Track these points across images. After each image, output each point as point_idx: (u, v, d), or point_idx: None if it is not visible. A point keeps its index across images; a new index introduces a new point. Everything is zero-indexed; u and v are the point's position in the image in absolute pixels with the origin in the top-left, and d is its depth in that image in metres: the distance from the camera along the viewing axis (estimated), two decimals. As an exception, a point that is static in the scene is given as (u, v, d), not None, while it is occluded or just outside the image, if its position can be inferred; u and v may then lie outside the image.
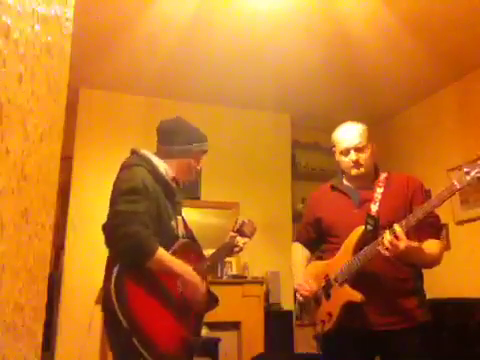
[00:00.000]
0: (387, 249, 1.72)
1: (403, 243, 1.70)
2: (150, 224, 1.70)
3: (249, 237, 2.16)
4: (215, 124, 4.53)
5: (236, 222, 2.17)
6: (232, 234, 2.12)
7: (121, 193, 1.73)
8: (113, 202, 1.75)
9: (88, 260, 3.99)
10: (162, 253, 1.69)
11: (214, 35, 3.57)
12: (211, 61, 3.96)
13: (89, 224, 4.04)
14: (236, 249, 2.11)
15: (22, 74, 0.58)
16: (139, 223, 1.65)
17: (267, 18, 3.35)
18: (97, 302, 4.03)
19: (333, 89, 4.49)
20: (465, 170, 1.65)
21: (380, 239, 1.77)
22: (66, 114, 0.68)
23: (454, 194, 1.69)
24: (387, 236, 1.72)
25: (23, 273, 0.58)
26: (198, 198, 4.48)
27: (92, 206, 4.12)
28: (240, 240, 2.10)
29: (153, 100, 4.61)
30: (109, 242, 1.70)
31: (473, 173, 1.63)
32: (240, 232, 2.13)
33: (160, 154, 1.95)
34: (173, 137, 1.97)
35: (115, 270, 1.66)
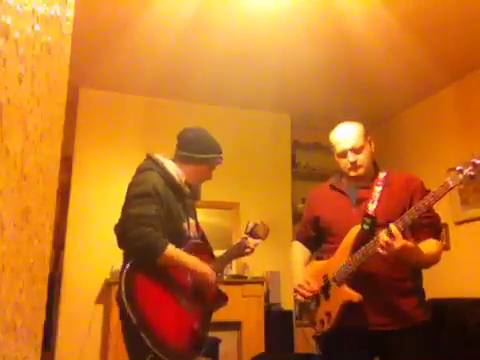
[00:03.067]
0: (383, 248, 1.72)
1: (398, 242, 1.69)
2: (160, 226, 1.80)
3: (262, 238, 2.24)
4: (215, 124, 4.51)
5: (248, 225, 2.25)
6: (244, 236, 2.21)
7: (132, 197, 1.84)
8: (125, 205, 1.85)
9: (88, 260, 3.99)
10: (172, 249, 1.78)
11: (214, 35, 3.57)
12: (211, 61, 3.96)
13: (89, 224, 4.04)
14: (247, 250, 2.18)
15: (22, 74, 0.58)
16: (148, 225, 1.75)
17: (267, 18, 3.35)
18: (97, 302, 4.03)
19: (333, 89, 4.49)
20: (458, 168, 1.66)
21: (376, 238, 1.77)
22: (66, 114, 0.68)
23: (448, 192, 1.70)
24: (383, 235, 1.72)
25: (23, 273, 0.58)
26: (198, 198, 4.47)
27: (92, 206, 4.12)
28: (251, 241, 2.18)
29: (153, 100, 4.61)
30: (121, 243, 1.81)
31: (466, 171, 1.65)
32: (252, 234, 2.21)
33: (178, 159, 2.07)
34: (193, 145, 2.07)
35: (126, 267, 1.76)
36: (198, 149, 2.07)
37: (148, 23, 3.40)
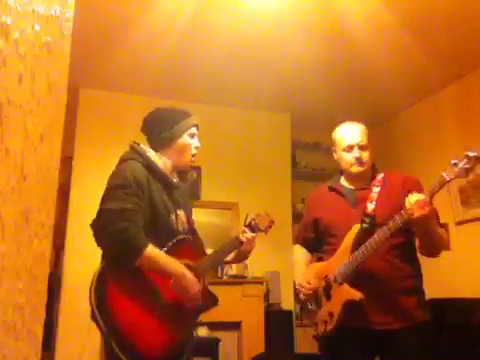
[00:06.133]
0: (412, 209, 1.71)
1: (429, 205, 1.70)
2: (140, 220, 1.64)
3: (263, 231, 2.01)
4: (215, 124, 4.53)
5: (247, 216, 2.04)
6: (242, 229, 1.98)
7: (109, 189, 1.70)
8: (102, 198, 1.70)
9: (88, 260, 3.96)
10: (152, 251, 1.61)
11: (214, 35, 3.57)
12: (211, 61, 3.96)
13: (89, 224, 4.04)
14: (247, 248, 1.94)
15: (22, 74, 0.59)
16: (126, 220, 1.60)
17: (267, 18, 3.35)
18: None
19: (333, 89, 4.49)
20: (453, 162, 1.68)
21: (377, 235, 1.80)
22: (66, 114, 0.68)
23: (444, 186, 1.71)
24: (415, 195, 1.72)
25: (23, 273, 0.58)
26: (198, 198, 4.48)
27: (92, 206, 4.09)
28: (243, 235, 1.94)
29: (153, 100, 4.60)
30: (98, 241, 1.65)
31: (461, 165, 1.67)
32: (251, 226, 1.98)
33: (155, 148, 1.88)
34: (158, 127, 1.88)
35: (101, 264, 1.65)
36: (165, 126, 1.86)
37: (148, 23, 3.40)
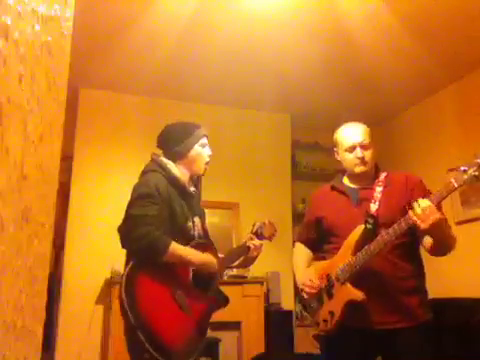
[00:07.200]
0: (422, 219, 1.69)
1: (436, 213, 1.68)
2: (161, 226, 1.82)
3: (267, 239, 2.21)
4: (215, 124, 4.53)
5: (254, 224, 2.23)
6: (249, 235, 2.18)
7: (135, 198, 1.89)
8: (128, 206, 1.89)
9: (88, 260, 3.99)
10: (175, 247, 1.81)
11: (214, 35, 3.57)
12: (211, 61, 3.96)
13: (89, 224, 4.04)
14: (254, 254, 2.13)
15: (22, 74, 0.59)
16: (149, 225, 1.78)
17: (267, 18, 3.35)
18: (97, 302, 4.03)
19: (333, 89, 4.49)
20: (462, 169, 1.67)
21: (380, 236, 1.79)
22: (66, 114, 0.68)
23: (452, 192, 1.70)
24: (421, 203, 1.70)
25: (23, 273, 0.58)
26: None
27: (92, 206, 4.12)
28: (254, 241, 2.14)
29: (153, 100, 4.61)
30: (124, 244, 1.83)
31: (470, 171, 1.66)
32: (258, 235, 2.18)
33: (171, 160, 2.07)
34: (171, 142, 2.08)
35: (129, 264, 1.80)
36: (178, 139, 2.06)
37: (148, 23, 3.40)
